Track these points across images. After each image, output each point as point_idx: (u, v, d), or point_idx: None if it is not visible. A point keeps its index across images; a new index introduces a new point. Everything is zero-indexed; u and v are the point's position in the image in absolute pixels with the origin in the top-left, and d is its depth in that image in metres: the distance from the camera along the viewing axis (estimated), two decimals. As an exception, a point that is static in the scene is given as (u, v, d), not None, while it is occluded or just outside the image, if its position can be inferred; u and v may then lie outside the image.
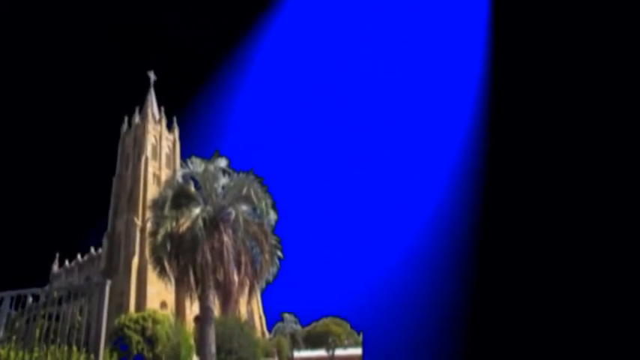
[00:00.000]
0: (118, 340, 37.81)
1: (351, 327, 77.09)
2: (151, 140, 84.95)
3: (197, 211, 20.83)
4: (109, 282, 10.36)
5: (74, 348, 9.96)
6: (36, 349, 9.90)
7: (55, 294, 11.30)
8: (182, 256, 20.54)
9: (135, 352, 38.09)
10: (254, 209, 22.25)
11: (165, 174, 79.08)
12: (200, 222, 20.24)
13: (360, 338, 65.09)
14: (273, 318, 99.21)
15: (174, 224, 20.21)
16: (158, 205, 22.16)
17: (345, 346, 75.21)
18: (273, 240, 22.19)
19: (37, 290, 10.70)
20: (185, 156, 26.27)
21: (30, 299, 10.11)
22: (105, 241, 79.34)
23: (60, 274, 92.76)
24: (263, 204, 21.87)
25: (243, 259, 20.56)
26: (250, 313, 73.86)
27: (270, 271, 21.98)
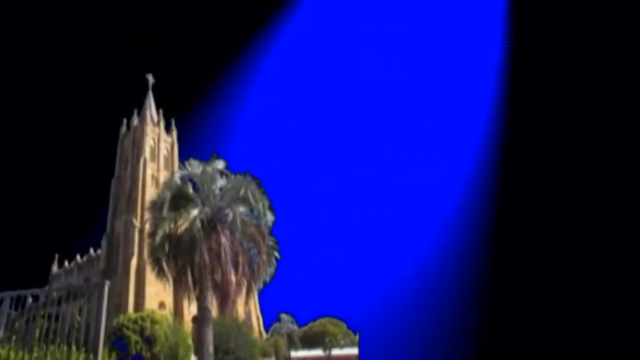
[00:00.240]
0: (117, 340, 37.78)
1: (348, 327, 77.11)
2: (149, 142, 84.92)
3: (195, 212, 20.84)
4: (107, 282, 10.36)
5: (73, 348, 9.95)
6: (35, 348, 9.89)
7: (55, 294, 11.29)
8: (180, 257, 20.53)
9: (133, 351, 38.07)
10: (251, 210, 22.25)
11: (163, 176, 79.10)
12: (198, 223, 20.24)
13: (357, 338, 65.06)
14: (270, 318, 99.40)
15: (172, 225, 20.21)
16: (156, 206, 22.14)
17: (341, 346, 75.09)
18: (270, 241, 22.19)
19: (36, 291, 10.71)
20: (183, 158, 26.25)
21: (30, 299, 10.10)
22: (104, 242, 79.29)
23: (59, 275, 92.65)
24: (260, 205, 21.88)
25: (240, 259, 20.56)
26: (248, 314, 73.84)
27: (267, 272, 21.97)
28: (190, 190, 22.96)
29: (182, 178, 23.48)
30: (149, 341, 39.24)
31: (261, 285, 22.40)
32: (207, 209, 21.34)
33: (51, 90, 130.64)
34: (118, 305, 63.29)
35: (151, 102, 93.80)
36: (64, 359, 9.86)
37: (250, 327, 63.76)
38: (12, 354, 10.84)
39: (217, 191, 22.62)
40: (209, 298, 20.28)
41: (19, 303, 9.89)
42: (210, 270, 19.85)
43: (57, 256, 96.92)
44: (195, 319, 51.41)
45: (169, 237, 20.19)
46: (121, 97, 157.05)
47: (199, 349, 20.75)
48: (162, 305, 66.39)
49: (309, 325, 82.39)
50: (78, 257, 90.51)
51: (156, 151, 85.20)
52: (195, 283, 20.43)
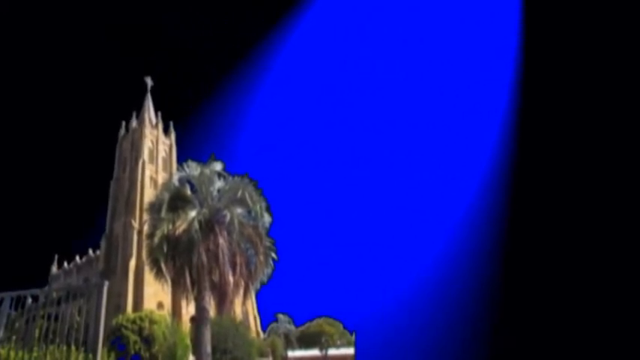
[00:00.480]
0: (116, 340, 37.77)
1: (344, 327, 77.23)
2: (147, 144, 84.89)
3: (193, 213, 20.85)
4: (106, 283, 10.37)
5: (73, 348, 9.95)
6: (35, 348, 9.90)
7: (54, 295, 11.29)
8: (178, 258, 20.54)
9: (132, 351, 38.07)
10: (249, 212, 22.27)
11: (161, 177, 79.15)
12: (196, 224, 20.27)
13: (353, 338, 65.11)
14: (267, 318, 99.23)
15: (170, 226, 20.21)
16: (155, 207, 22.15)
17: (337, 346, 75.18)
18: (267, 242, 22.22)
19: (36, 291, 10.70)
20: (181, 160, 26.28)
21: (29, 300, 10.10)
22: (103, 243, 79.22)
23: (59, 276, 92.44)
24: (257, 207, 21.92)
25: (238, 260, 20.58)
26: (245, 314, 73.78)
27: (264, 273, 21.99)
28: (188, 192, 22.94)
29: (180, 180, 23.49)
30: (148, 341, 39.24)
31: (258, 285, 22.43)
32: (205, 210, 21.35)
33: (51, 92, 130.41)
34: (116, 305, 63.22)
35: (149, 104, 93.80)
36: (63, 359, 9.86)
37: (248, 327, 63.78)
38: (12, 354, 10.84)
39: (215, 193, 22.64)
40: (207, 298, 20.28)
41: (18, 303, 9.89)
42: (208, 270, 19.87)
43: (56, 257, 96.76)
44: (193, 319, 51.32)
45: (168, 238, 20.20)
46: (119, 100, 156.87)
47: (197, 349, 20.75)
48: (160, 305, 66.31)
49: (306, 325, 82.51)
50: (77, 258, 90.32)
51: (154, 153, 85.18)
52: (193, 283, 20.42)
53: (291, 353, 75.58)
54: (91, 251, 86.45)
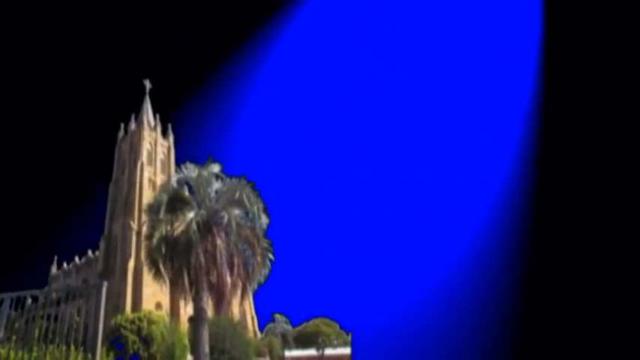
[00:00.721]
0: (115, 340, 37.69)
1: (341, 327, 77.11)
2: (146, 146, 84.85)
3: (191, 215, 20.85)
4: (105, 284, 10.38)
5: (72, 347, 9.95)
6: (35, 348, 9.89)
7: (54, 295, 11.28)
8: (177, 259, 20.54)
9: (131, 351, 37.99)
10: (246, 213, 22.27)
11: (160, 179, 79.07)
12: (194, 226, 20.27)
13: (349, 338, 65.03)
14: (264, 318, 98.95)
15: (169, 228, 20.21)
16: (153, 209, 22.15)
17: (334, 346, 75.04)
18: (264, 243, 22.23)
19: (36, 292, 10.68)
20: (179, 162, 26.26)
21: (29, 300, 10.09)
22: (102, 244, 79.23)
23: (58, 276, 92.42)
24: (255, 208, 21.92)
25: (235, 261, 20.58)
26: (242, 314, 73.70)
27: (261, 273, 22.00)
28: (186, 193, 22.95)
29: (178, 182, 23.49)
30: (146, 341, 39.16)
31: (255, 286, 22.45)
32: (202, 212, 21.35)
33: (50, 95, 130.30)
34: (115, 306, 63.18)
35: (148, 107, 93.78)
36: (62, 359, 9.86)
37: (245, 327, 63.68)
38: (12, 354, 10.84)
39: (213, 194, 22.64)
40: (205, 298, 20.29)
41: (18, 304, 9.89)
42: (206, 271, 19.87)
43: (56, 258, 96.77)
44: (191, 320, 51.26)
45: (166, 239, 20.20)
46: (118, 102, 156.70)
47: (195, 349, 20.75)
48: (159, 306, 66.22)
49: (303, 325, 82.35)
50: (76, 259, 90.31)
51: (153, 155, 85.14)
52: (191, 284, 20.42)
53: (288, 353, 75.44)
54: (90, 252, 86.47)
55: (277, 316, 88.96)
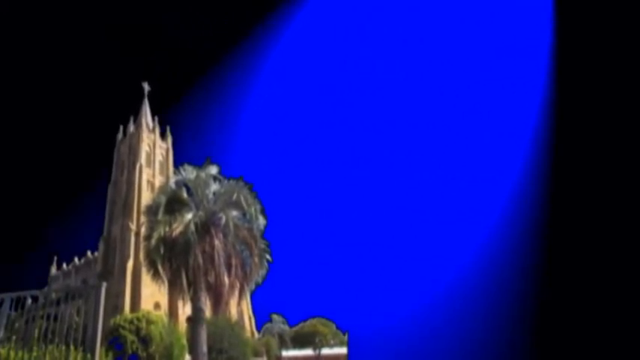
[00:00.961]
0: (114, 340, 37.68)
1: (337, 327, 77.07)
2: (145, 148, 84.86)
3: (189, 216, 20.83)
4: (104, 284, 10.40)
5: (72, 347, 9.95)
6: (35, 348, 9.90)
7: (54, 295, 11.29)
8: (175, 259, 20.52)
9: (130, 351, 37.97)
10: (244, 214, 22.26)
11: (158, 181, 79.06)
12: (192, 227, 20.25)
13: (346, 338, 65.04)
14: (262, 318, 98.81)
15: (167, 229, 20.19)
16: (152, 210, 22.13)
17: (331, 346, 75.02)
18: (262, 244, 22.21)
19: (35, 292, 10.69)
20: (178, 163, 26.27)
21: (29, 301, 10.10)
22: (101, 245, 79.29)
23: (58, 277, 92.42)
24: (252, 209, 21.91)
25: (233, 262, 20.56)
26: (240, 314, 73.70)
27: (259, 274, 22.00)
28: (185, 195, 22.91)
29: (177, 183, 23.45)
30: (145, 341, 39.15)
31: (253, 286, 22.42)
32: (201, 213, 21.32)
33: (49, 97, 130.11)
34: (114, 306, 63.12)
35: (146, 109, 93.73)
36: (62, 358, 9.86)
37: (243, 327, 63.72)
38: (12, 353, 10.83)
39: (211, 196, 22.62)
40: (203, 299, 20.28)
41: (18, 304, 9.89)
42: (204, 272, 19.85)
43: (55, 259, 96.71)
44: (189, 320, 51.18)
45: (164, 240, 20.19)
46: (117, 105, 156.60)
47: (193, 349, 20.76)
48: (157, 306, 66.19)
49: (300, 325, 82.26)
50: (76, 260, 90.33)
51: (151, 157, 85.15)
52: (189, 284, 20.41)
53: (285, 353, 75.41)
54: (89, 253, 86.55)
55: (274, 316, 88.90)
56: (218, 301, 20.31)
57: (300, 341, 78.30)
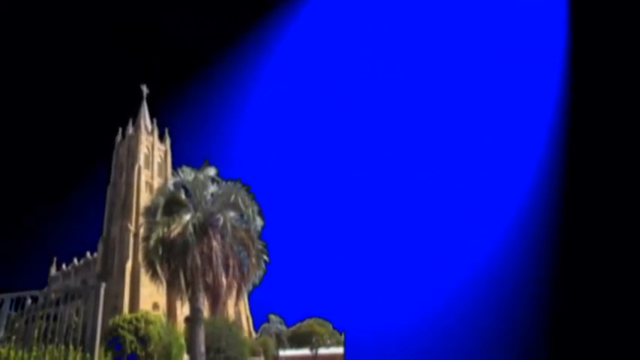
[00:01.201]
0: (113, 340, 37.66)
1: (334, 327, 77.07)
2: (143, 150, 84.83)
3: (187, 217, 20.82)
4: (103, 285, 10.40)
5: (71, 347, 9.96)
6: (35, 348, 9.90)
7: (53, 296, 11.32)
8: (173, 260, 20.51)
9: (128, 351, 37.95)
10: (241, 216, 22.25)
11: (157, 182, 78.97)
12: (190, 228, 20.23)
13: (342, 338, 65.01)
14: (259, 319, 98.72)
15: (165, 230, 20.18)
16: (150, 211, 22.12)
17: (327, 346, 75.00)
18: (259, 245, 22.21)
19: (35, 292, 10.69)
20: (176, 165, 26.25)
21: (29, 301, 10.10)
22: (100, 246, 79.21)
23: (57, 277, 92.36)
24: (250, 211, 21.90)
25: (231, 262, 20.56)
26: (238, 314, 73.69)
27: (256, 274, 21.99)
28: (183, 196, 22.89)
29: (175, 185, 23.43)
30: (143, 341, 39.14)
31: (250, 287, 22.41)
32: (199, 214, 21.31)
33: (50, 99, 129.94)
34: (113, 306, 63.01)
35: (145, 111, 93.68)
36: (61, 358, 9.86)
37: (240, 327, 63.61)
38: (12, 353, 10.84)
39: (209, 197, 22.60)
40: (201, 299, 20.27)
41: (18, 304, 9.90)
42: (202, 272, 19.85)
43: (55, 259, 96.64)
44: (187, 320, 51.20)
45: (163, 241, 20.17)
46: (116, 107, 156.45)
47: (192, 348, 20.75)
48: (156, 306, 66.14)
49: (297, 325, 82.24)
50: (75, 260, 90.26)
51: (150, 159, 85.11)
52: (187, 285, 20.40)
53: (282, 352, 75.35)
54: (88, 254, 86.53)
55: (272, 317, 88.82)
56: (216, 301, 20.30)
57: (297, 341, 78.29)
